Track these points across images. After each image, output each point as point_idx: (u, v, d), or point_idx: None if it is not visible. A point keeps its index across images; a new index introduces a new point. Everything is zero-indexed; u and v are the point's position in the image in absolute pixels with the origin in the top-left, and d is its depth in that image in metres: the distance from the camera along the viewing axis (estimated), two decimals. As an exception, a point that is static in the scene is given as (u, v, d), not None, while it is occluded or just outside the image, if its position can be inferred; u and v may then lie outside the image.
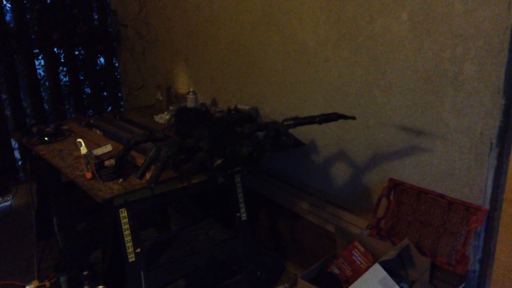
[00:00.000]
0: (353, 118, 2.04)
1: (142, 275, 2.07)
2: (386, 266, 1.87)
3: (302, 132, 2.72)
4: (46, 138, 2.67)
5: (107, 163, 2.03)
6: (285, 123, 2.08)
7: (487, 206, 1.96)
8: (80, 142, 2.12)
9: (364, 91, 2.33)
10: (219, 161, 1.98)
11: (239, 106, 2.96)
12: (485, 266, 2.09)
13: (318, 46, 2.52)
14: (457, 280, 1.95)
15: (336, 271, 2.17)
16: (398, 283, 1.95)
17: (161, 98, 3.26)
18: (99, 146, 2.23)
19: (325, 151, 2.65)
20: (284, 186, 2.85)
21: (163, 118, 2.97)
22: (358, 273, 2.06)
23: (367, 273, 1.90)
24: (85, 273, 2.42)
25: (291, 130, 2.12)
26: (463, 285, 1.99)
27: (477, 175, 1.93)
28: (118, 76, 4.91)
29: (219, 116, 2.72)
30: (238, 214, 2.39)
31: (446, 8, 1.91)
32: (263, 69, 2.93)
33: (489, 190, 1.94)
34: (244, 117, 2.37)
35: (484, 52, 1.82)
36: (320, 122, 2.05)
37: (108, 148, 2.21)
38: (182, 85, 3.76)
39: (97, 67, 4.78)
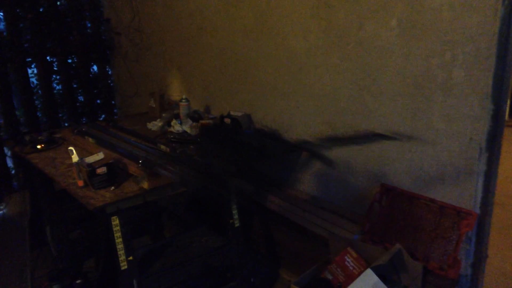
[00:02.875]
0: None
1: (134, 283, 2.06)
2: (379, 271, 1.87)
3: (294, 137, 2.74)
4: (38, 147, 2.67)
5: (99, 171, 2.04)
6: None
7: (477, 211, 1.97)
8: (71, 150, 2.12)
9: (355, 97, 2.34)
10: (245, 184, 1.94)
11: (232, 113, 2.97)
12: (477, 271, 2.10)
13: (309, 53, 2.53)
14: (449, 284, 1.95)
15: (329, 276, 2.17)
16: (390, 287, 1.96)
17: (154, 106, 3.27)
18: (91, 154, 2.24)
19: (317, 156, 2.66)
20: (277, 192, 2.86)
21: (155, 125, 2.97)
22: (351, 278, 2.06)
23: (359, 279, 1.90)
24: (78, 281, 2.41)
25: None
26: (455, 289, 2.00)
27: (467, 180, 1.95)
28: (112, 84, 4.91)
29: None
30: (231, 221, 2.40)
31: (434, 14, 1.93)
32: (255, 76, 2.94)
33: (479, 195, 1.95)
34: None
35: (472, 58, 1.84)
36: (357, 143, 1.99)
37: (100, 156, 2.21)
38: (175, 92, 3.77)
39: (91, 75, 4.79)
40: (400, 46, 2.08)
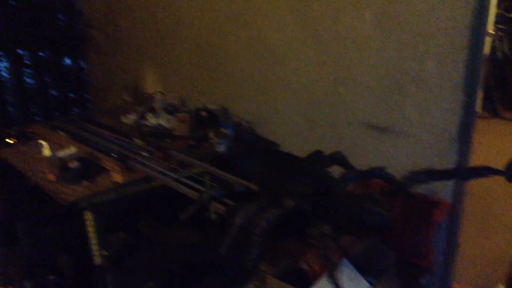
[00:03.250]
0: None
1: (109, 278, 2.04)
2: (353, 261, 1.89)
3: (271, 130, 2.74)
4: (10, 141, 2.61)
5: (71, 165, 2.00)
6: (414, 178, 1.51)
7: (449, 200, 2.01)
8: (43, 144, 2.07)
9: (331, 89, 2.36)
10: (325, 227, 1.38)
11: (208, 106, 2.95)
12: (449, 258, 2.14)
13: (285, 45, 2.53)
14: (422, 272, 1.99)
15: (305, 267, 2.18)
16: (364, 276, 1.98)
17: (128, 99, 3.22)
18: (63, 148, 2.19)
19: (293, 150, 2.66)
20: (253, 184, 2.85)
21: (130, 119, 2.93)
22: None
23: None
24: (51, 277, 2.37)
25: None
26: (428, 277, 2.04)
27: (439, 170, 1.98)
28: (85, 78, 4.82)
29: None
30: (207, 214, 2.39)
31: (408, 6, 1.95)
32: (231, 69, 2.93)
33: (452, 184, 1.99)
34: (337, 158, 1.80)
35: (444, 50, 1.86)
36: (464, 178, 1.55)
37: (72, 150, 2.17)
38: (150, 85, 3.72)
39: (63, 69, 4.69)
40: (374, 38, 2.10)
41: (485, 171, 1.48)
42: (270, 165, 1.69)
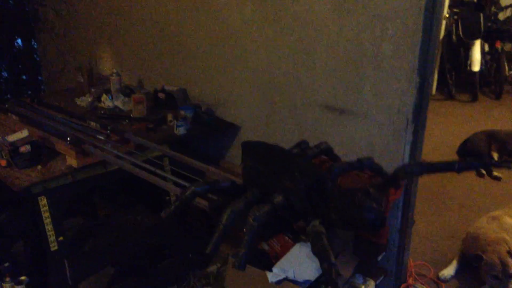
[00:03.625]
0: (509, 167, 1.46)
1: (66, 264, 1.99)
2: (312, 240, 1.92)
3: (232, 113, 2.72)
4: (-45, 125, 2.48)
5: (22, 149, 1.93)
6: (408, 169, 1.48)
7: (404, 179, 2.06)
8: (-8, 128, 1.99)
9: (291, 71, 2.36)
10: (316, 222, 1.38)
11: (166, 88, 2.90)
12: (404, 236, 2.21)
13: (244, 26, 2.51)
14: (378, 249, 2.04)
15: (266, 247, 2.20)
16: (323, 256, 2.02)
17: (82, 80, 3.12)
18: (14, 132, 2.11)
19: (255, 131, 2.66)
20: (214, 167, 2.84)
21: (84, 101, 2.85)
22: (286, 248, 2.10)
23: (294, 248, 1.94)
24: (6, 264, 2.29)
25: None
26: (384, 254, 2.10)
27: (395, 150, 2.03)
28: (38, 59, 4.64)
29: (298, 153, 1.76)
30: (167, 198, 2.36)
31: (365, -12, 1.96)
32: (190, 49, 2.88)
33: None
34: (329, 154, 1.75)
35: (400, 33, 1.89)
36: (459, 170, 1.42)
37: (24, 133, 2.09)
38: (105, 66, 3.62)
39: (15, 50, 4.49)
40: (332, 20, 2.10)
41: (477, 164, 1.48)
42: (256, 158, 1.59)
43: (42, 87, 4.73)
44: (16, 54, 4.49)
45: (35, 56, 4.63)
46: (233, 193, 1.49)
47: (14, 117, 2.57)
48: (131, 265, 2.51)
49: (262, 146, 1.64)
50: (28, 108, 2.71)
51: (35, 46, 4.62)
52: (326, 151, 1.71)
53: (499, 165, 1.37)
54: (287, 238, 2.13)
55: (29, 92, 4.67)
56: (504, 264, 2.27)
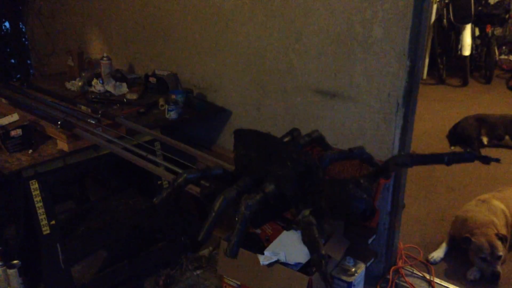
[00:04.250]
0: (497, 160, 1.48)
1: (58, 247, 2.00)
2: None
3: (223, 97, 2.72)
4: None
5: (13, 133, 1.92)
6: (399, 160, 1.46)
7: (394, 163, 2.08)
8: (-19, 112, 1.97)
9: (281, 55, 2.35)
10: (307, 212, 1.36)
11: (157, 72, 2.88)
12: (394, 219, 2.24)
13: (235, 9, 2.49)
14: (368, 232, 2.07)
15: (258, 231, 2.22)
16: (314, 239, 2.04)
17: (72, 64, 3.09)
18: (4, 115, 2.10)
19: (246, 116, 2.66)
20: (206, 152, 2.85)
21: (75, 85, 2.82)
22: (278, 231, 2.13)
23: (285, 231, 1.97)
24: (-2, 249, 2.30)
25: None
26: (374, 237, 2.13)
27: (385, 134, 2.05)
28: (26, 42, 4.58)
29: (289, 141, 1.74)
30: (159, 182, 2.37)
31: (356, -29, 1.95)
32: (180, 33, 2.85)
33: (396, 148, 2.06)
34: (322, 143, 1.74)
35: (391, 16, 1.89)
36: (448, 163, 1.45)
37: (14, 117, 2.08)
38: (96, 50, 3.58)
39: (2, 33, 4.42)
40: (323, 2, 2.09)
41: (469, 156, 1.45)
42: (248, 146, 1.58)
43: (31, 71, 4.67)
44: (3, 37, 4.43)
45: (23, 39, 4.56)
46: (225, 180, 1.49)
47: (3, 100, 2.55)
48: (124, 248, 2.52)
49: (254, 134, 1.64)
50: (18, 91, 2.69)
51: (24, 29, 4.55)
52: (318, 139, 1.72)
53: (487, 160, 1.35)
54: (278, 222, 2.15)
55: (18, 76, 4.62)
56: (492, 247, 2.31)
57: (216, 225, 1.32)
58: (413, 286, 2.27)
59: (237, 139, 1.64)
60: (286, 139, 1.71)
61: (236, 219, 1.31)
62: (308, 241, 1.30)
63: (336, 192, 1.32)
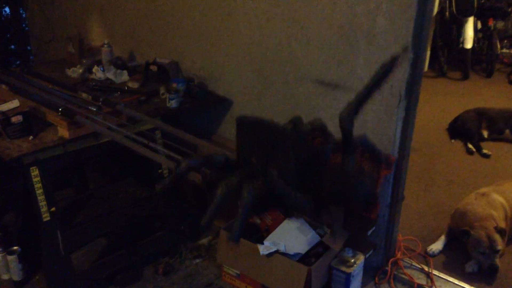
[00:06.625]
0: None
1: (58, 234, 2.00)
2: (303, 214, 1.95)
3: (224, 87, 2.71)
4: None
5: (14, 119, 1.91)
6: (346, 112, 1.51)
7: (395, 155, 2.08)
8: (-19, 98, 1.96)
9: (284, 45, 2.34)
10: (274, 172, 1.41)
11: (158, 60, 2.86)
12: (394, 211, 2.25)
13: (237, -2, 2.47)
14: (368, 224, 2.08)
15: (258, 221, 2.23)
16: (314, 229, 2.05)
17: (73, 51, 3.07)
18: (5, 101, 2.09)
19: (247, 106, 2.65)
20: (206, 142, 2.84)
21: (76, 72, 2.81)
22: (277, 222, 2.14)
23: (285, 221, 1.97)
24: (-2, 235, 2.31)
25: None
26: (374, 228, 2.14)
27: (387, 126, 2.04)
28: (27, 28, 4.54)
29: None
30: (160, 171, 2.37)
31: (361, -39, 1.94)
32: (182, 21, 2.83)
33: (398, 140, 2.06)
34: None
35: (394, 7, 1.88)
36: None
37: (15, 103, 2.07)
38: (96, 37, 3.55)
39: (2, 18, 4.39)
40: (327, -8, 2.08)
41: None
42: (250, 133, 1.61)
43: (31, 57, 4.65)
44: (3, 22, 4.40)
45: (23, 25, 4.53)
46: (227, 168, 1.50)
47: (3, 86, 2.53)
48: (123, 236, 2.52)
49: (256, 122, 1.64)
50: (18, 78, 2.67)
51: (24, 15, 4.52)
52: (320, 128, 1.72)
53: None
54: (278, 212, 2.16)
55: (18, 62, 4.59)
56: (491, 240, 2.31)
57: (219, 212, 1.32)
58: (412, 278, 2.28)
59: (239, 127, 1.64)
60: (288, 127, 1.71)
61: (239, 204, 1.31)
62: (279, 192, 1.31)
63: (338, 176, 1.33)
